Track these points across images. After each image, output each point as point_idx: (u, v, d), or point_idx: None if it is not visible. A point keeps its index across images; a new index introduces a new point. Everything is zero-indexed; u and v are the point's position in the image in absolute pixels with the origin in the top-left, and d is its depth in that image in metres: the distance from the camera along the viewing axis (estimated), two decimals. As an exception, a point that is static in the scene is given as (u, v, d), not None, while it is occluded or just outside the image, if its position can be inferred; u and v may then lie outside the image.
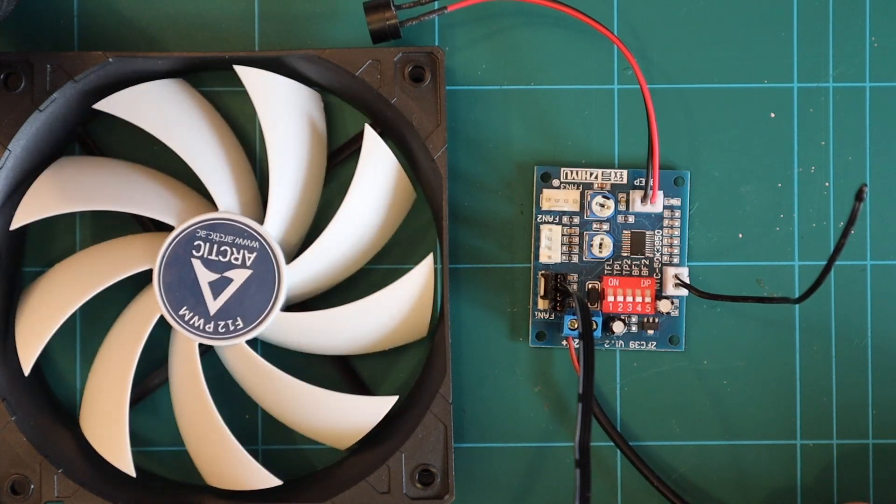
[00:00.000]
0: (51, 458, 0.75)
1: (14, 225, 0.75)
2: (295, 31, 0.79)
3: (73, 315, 0.79)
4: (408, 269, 0.79)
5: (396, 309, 0.77)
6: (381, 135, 0.79)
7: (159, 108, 0.76)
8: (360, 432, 0.76)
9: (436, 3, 0.77)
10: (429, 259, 0.76)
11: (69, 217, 0.79)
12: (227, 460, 0.76)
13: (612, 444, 0.79)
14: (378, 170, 0.76)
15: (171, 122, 0.76)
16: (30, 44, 0.78)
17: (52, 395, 0.79)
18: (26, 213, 0.75)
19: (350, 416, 0.76)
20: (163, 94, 0.77)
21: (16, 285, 0.79)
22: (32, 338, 0.75)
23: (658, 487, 0.78)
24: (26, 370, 0.75)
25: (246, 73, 0.75)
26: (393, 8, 0.76)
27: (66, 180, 0.76)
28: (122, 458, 0.75)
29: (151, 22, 0.79)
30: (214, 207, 0.76)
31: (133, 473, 0.75)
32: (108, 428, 0.75)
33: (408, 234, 0.79)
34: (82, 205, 0.75)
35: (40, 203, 0.75)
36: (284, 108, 0.76)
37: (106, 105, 0.75)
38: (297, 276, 0.76)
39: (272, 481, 0.76)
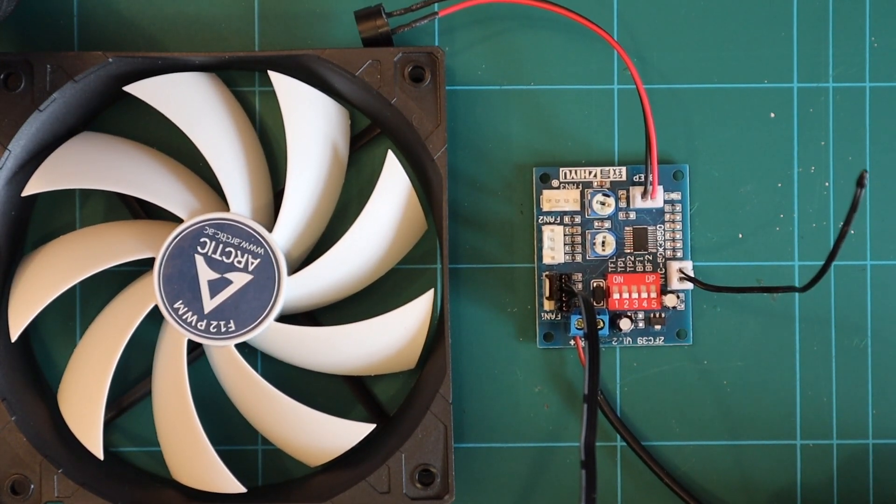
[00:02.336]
0: (51, 458, 0.75)
1: (26, 192, 0.75)
2: (295, 31, 0.79)
3: (73, 315, 0.79)
4: (407, 269, 0.79)
5: (393, 338, 0.76)
6: (380, 135, 0.79)
7: (188, 100, 0.76)
8: (333, 453, 0.76)
9: (435, 5, 0.77)
10: (429, 294, 0.76)
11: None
12: (197, 459, 0.75)
13: (611, 444, 0.79)
14: (393, 199, 0.76)
15: (197, 115, 0.75)
16: (30, 44, 0.78)
17: (53, 394, 0.79)
18: (39, 184, 0.75)
19: (326, 436, 0.76)
20: (193, 86, 0.76)
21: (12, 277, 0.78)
22: (25, 305, 0.75)
23: (669, 485, 0.78)
24: (13, 336, 0.75)
25: (279, 81, 0.75)
26: (384, 16, 0.76)
27: (84, 156, 0.76)
28: (94, 439, 0.75)
29: (151, 22, 0.79)
30: (225, 206, 0.76)
31: (101, 456, 0.75)
32: (85, 406, 0.75)
33: (408, 235, 0.79)
34: (95, 183, 0.75)
35: (54, 175, 0.75)
36: (313, 122, 0.76)
37: (135, 89, 0.75)
38: (297, 289, 0.76)
39: (236, 487, 0.75)
